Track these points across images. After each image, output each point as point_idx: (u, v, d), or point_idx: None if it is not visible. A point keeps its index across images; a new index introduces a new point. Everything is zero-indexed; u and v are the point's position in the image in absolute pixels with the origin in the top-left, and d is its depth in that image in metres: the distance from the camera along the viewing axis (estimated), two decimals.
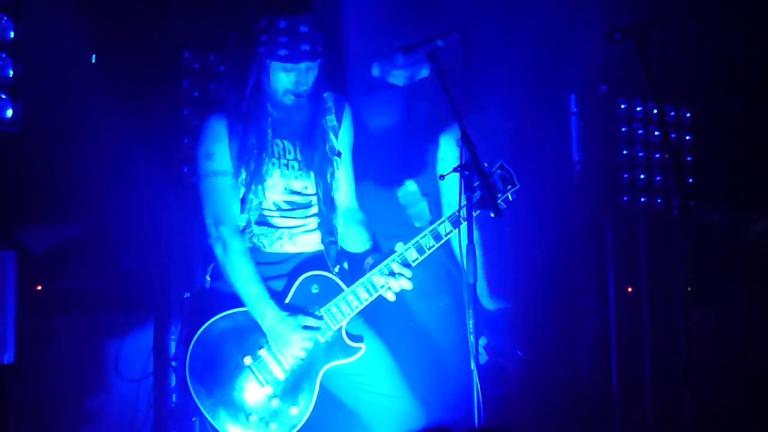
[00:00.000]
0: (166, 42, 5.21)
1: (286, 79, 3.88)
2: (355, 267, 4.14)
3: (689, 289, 4.96)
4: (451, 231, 3.88)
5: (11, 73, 4.41)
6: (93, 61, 5.09)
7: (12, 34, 4.45)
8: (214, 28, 5.05)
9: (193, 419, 4.38)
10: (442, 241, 3.92)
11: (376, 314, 4.14)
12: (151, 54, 5.15)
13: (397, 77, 4.75)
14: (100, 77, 5.11)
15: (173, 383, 4.93)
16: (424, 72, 4.82)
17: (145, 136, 5.05)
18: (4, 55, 4.42)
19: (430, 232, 3.88)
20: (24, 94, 4.42)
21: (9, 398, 4.48)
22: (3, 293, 4.39)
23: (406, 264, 3.87)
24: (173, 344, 4.97)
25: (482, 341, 4.96)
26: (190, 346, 3.92)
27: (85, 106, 5.05)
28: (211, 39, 5.22)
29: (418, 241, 3.87)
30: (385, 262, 3.90)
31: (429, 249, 3.90)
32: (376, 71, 4.85)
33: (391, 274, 3.86)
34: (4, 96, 4.33)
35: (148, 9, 5.12)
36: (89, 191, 5.06)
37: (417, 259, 3.88)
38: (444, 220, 3.89)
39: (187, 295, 4.86)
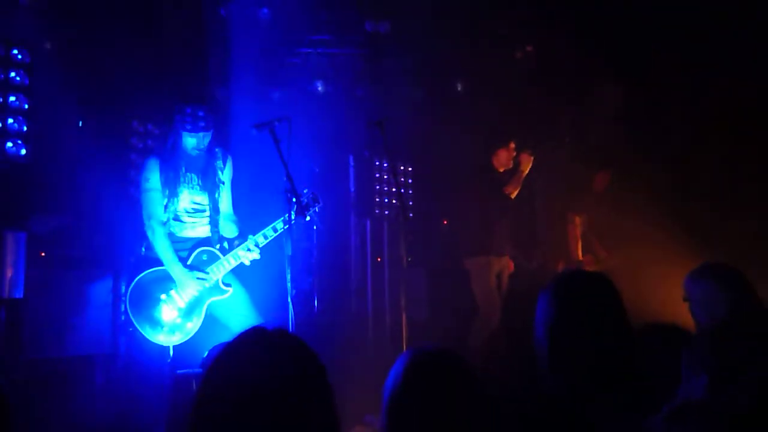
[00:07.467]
0: (122, 115, 6.08)
1: (192, 141, 4.70)
2: (229, 245, 4.93)
3: (409, 259, 5.60)
4: (283, 227, 4.61)
5: (25, 128, 5.01)
6: (80, 125, 5.84)
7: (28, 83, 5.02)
8: (153, 106, 6.02)
9: (130, 329, 4.83)
10: (278, 233, 4.73)
11: (242, 272, 4.86)
12: (112, 121, 6.02)
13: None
14: (84, 135, 5.86)
15: (122, 309, 5.34)
16: None
17: (110, 170, 5.79)
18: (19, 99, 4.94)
19: (271, 227, 4.79)
20: (33, 141, 4.98)
21: (24, 320, 4.97)
22: (19, 256, 5.02)
23: (257, 245, 4.75)
24: (123, 286, 5.48)
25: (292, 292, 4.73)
26: (130, 287, 4.70)
27: (74, 151, 5.73)
28: (149, 113, 6.10)
29: (264, 232, 4.78)
30: (244, 244, 4.76)
31: (268, 238, 4.79)
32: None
33: (248, 250, 4.77)
34: (20, 142, 5.06)
35: (114, 93, 5.87)
36: (75, 199, 5.77)
37: (263, 242, 4.78)
38: (279, 221, 4.73)
39: (132, 259, 5.29)
